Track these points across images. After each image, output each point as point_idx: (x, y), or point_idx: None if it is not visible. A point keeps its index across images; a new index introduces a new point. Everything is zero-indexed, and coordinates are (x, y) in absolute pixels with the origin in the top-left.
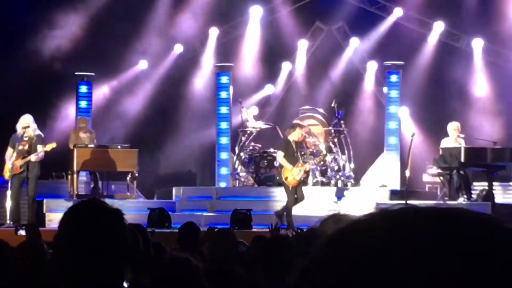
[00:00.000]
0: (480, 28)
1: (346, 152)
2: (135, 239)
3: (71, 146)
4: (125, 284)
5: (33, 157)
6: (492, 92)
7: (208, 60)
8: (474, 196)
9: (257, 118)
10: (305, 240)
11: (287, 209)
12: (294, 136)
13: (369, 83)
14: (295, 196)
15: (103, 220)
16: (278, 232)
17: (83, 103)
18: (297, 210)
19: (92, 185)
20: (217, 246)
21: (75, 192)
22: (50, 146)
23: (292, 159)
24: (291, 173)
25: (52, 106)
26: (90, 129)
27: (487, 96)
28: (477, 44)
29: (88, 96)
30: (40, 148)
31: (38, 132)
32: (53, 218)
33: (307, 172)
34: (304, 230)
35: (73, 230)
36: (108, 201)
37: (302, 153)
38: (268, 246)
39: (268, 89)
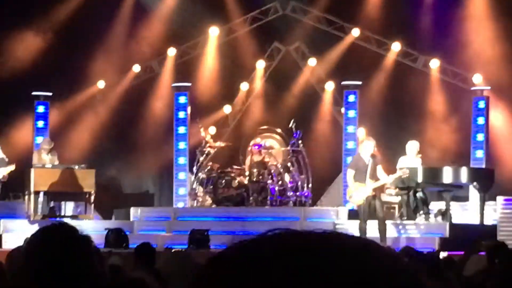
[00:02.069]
0: (437, 49)
1: (304, 172)
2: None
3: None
4: None
5: None
6: (448, 112)
7: (166, 80)
8: (431, 215)
9: (215, 138)
10: None
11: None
12: (363, 149)
13: (327, 103)
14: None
15: (73, 246)
16: None
17: (40, 123)
18: (256, 230)
19: (49, 206)
20: (173, 266)
21: (33, 212)
22: (8, 169)
23: (362, 176)
24: (354, 191)
25: (9, 126)
26: (52, 151)
27: (444, 115)
28: (434, 64)
29: (45, 116)
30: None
31: (1, 154)
32: (9, 239)
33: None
34: None
35: (41, 253)
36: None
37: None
38: None
39: (226, 109)
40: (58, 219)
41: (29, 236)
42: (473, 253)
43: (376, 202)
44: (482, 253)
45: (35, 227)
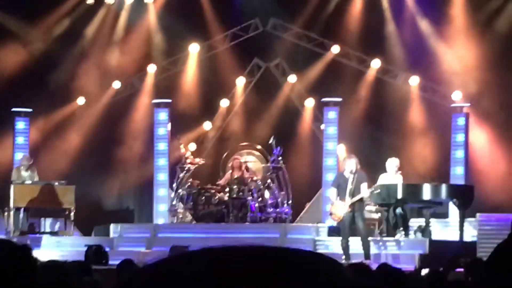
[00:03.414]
0: (416, 66)
1: (284, 188)
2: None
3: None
4: None
5: None
6: (428, 128)
7: (146, 97)
8: (411, 232)
9: (195, 154)
10: None
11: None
12: (344, 167)
13: (307, 119)
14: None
15: (8, 260)
16: None
17: (20, 139)
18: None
19: (29, 222)
20: None
21: (13, 229)
22: None
23: (343, 193)
24: (334, 207)
25: None
26: (32, 167)
27: (424, 132)
28: (414, 81)
29: (26, 132)
30: None
31: None
32: None
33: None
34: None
35: None
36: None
37: (241, 188)
38: None
39: (206, 126)
40: (38, 235)
41: None
42: (451, 269)
43: (358, 219)
44: (461, 269)
45: None
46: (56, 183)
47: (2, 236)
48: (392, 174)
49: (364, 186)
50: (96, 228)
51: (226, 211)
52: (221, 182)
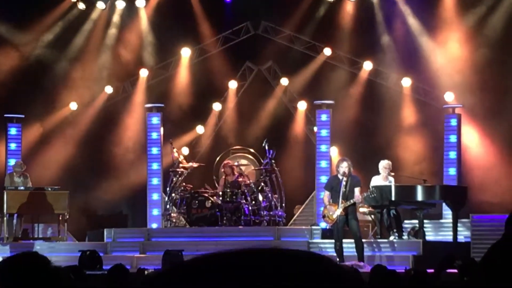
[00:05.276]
0: (408, 67)
1: (277, 191)
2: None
3: None
4: None
5: None
6: (421, 130)
7: (138, 101)
8: (405, 234)
9: (188, 158)
10: None
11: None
12: (337, 169)
13: (299, 122)
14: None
15: (32, 272)
16: None
17: (12, 145)
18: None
19: (22, 228)
20: None
21: (6, 235)
22: None
23: (336, 196)
24: (327, 210)
25: None
26: (25, 173)
27: (416, 133)
28: (406, 83)
29: (18, 138)
30: None
31: None
32: None
33: (345, 209)
34: None
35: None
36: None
37: (235, 192)
38: None
39: (199, 130)
40: (31, 241)
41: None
42: (444, 269)
43: (352, 221)
44: (454, 270)
45: (7, 249)
46: (50, 189)
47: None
48: (384, 176)
49: (357, 190)
50: (89, 233)
51: (219, 214)
52: (219, 190)
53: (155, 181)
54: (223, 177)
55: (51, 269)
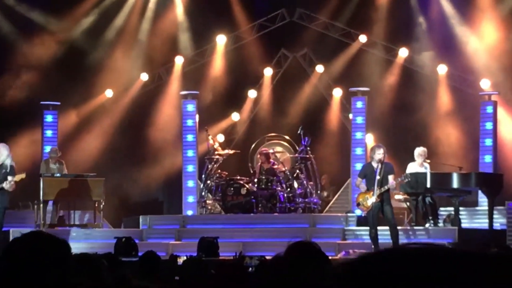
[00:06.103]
0: (444, 54)
1: (313, 178)
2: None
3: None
4: None
5: (5, 185)
6: (457, 117)
7: (174, 88)
8: (440, 221)
9: (223, 145)
10: (270, 268)
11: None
12: (372, 156)
13: (335, 109)
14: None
15: (44, 253)
16: (242, 260)
17: (49, 132)
18: (266, 237)
19: (59, 215)
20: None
21: (42, 222)
22: (19, 177)
23: (371, 183)
24: (362, 198)
25: (18, 136)
26: (60, 160)
27: (452, 121)
28: (442, 70)
29: (54, 125)
30: (10, 178)
31: (11, 162)
32: None
33: (380, 196)
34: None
35: (12, 263)
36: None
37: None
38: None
39: (234, 117)
40: (67, 228)
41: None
42: None
43: (386, 208)
44: None
45: None
46: (86, 176)
47: (32, 229)
48: (419, 163)
49: (391, 177)
50: (125, 220)
51: (255, 201)
52: (255, 176)
53: (190, 168)
54: (259, 164)
55: (61, 249)
